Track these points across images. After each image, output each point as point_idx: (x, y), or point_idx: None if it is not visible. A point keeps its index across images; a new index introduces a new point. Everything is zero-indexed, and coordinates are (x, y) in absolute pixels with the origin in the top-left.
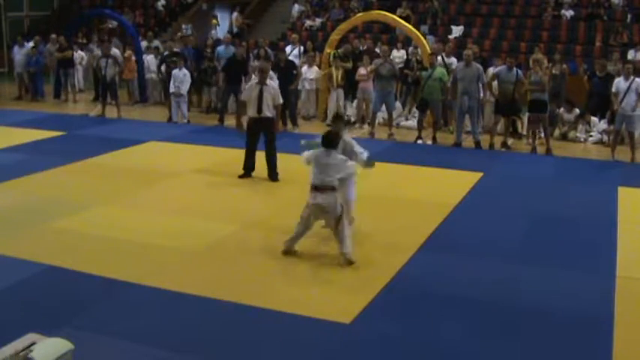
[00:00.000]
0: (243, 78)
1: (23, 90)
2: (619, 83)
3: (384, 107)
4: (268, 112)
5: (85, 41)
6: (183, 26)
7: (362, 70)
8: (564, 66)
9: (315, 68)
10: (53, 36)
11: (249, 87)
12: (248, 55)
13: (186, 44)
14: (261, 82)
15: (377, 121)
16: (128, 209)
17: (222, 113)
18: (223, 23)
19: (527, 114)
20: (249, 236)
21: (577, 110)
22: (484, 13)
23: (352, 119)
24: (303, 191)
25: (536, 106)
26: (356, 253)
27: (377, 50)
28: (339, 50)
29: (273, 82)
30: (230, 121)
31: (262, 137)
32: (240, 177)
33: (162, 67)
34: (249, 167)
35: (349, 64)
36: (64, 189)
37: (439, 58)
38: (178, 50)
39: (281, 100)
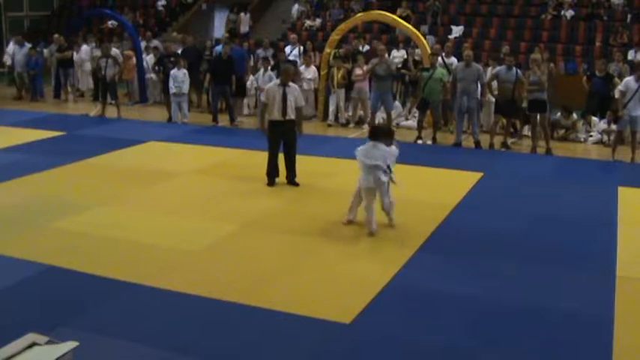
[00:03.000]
0: (232, 78)
1: (23, 90)
2: (629, 82)
3: (383, 107)
4: (292, 114)
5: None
6: (174, 33)
7: (357, 70)
8: (552, 65)
9: (313, 68)
10: (56, 36)
11: (270, 89)
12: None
13: (185, 44)
14: (284, 84)
15: (377, 122)
16: (128, 209)
17: (215, 114)
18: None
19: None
20: (249, 236)
21: (574, 116)
22: (484, 13)
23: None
24: (303, 191)
25: (535, 106)
26: (356, 253)
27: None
28: (339, 50)
29: (295, 83)
30: (225, 122)
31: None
32: (268, 185)
33: (157, 68)
34: (274, 174)
35: (349, 65)
36: (64, 189)
37: (439, 58)
38: (178, 52)
39: (303, 102)
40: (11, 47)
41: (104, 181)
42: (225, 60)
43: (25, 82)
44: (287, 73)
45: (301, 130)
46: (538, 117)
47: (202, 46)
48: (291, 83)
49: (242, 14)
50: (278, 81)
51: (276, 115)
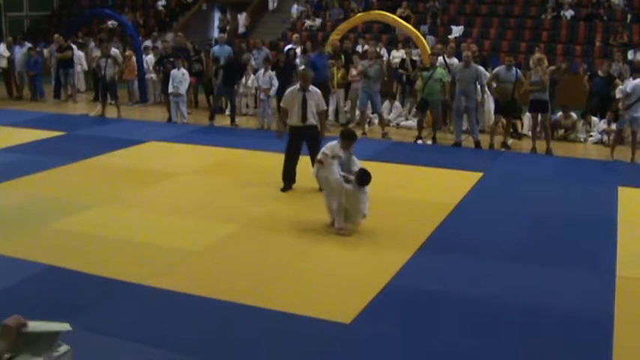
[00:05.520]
0: (237, 81)
1: (17, 90)
2: (638, 86)
3: (384, 107)
4: (313, 119)
5: (83, 41)
6: (173, 34)
7: (353, 71)
8: (552, 67)
9: None
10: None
11: (290, 93)
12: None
13: (179, 44)
14: (304, 89)
15: (367, 120)
16: (128, 209)
17: (213, 112)
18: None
19: (527, 114)
20: (249, 236)
21: (574, 116)
22: (484, 13)
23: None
24: (303, 192)
25: (536, 106)
26: (356, 253)
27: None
28: (327, 50)
29: (315, 87)
30: (225, 121)
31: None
32: (283, 190)
33: (158, 68)
34: (290, 178)
35: (340, 63)
36: (64, 189)
37: (440, 58)
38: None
39: (325, 107)
40: (2, 48)
41: (104, 181)
42: (240, 63)
43: (25, 82)
44: (305, 77)
45: (324, 134)
46: (539, 117)
47: (203, 45)
48: (311, 87)
49: (242, 14)
50: (297, 85)
51: (296, 120)
